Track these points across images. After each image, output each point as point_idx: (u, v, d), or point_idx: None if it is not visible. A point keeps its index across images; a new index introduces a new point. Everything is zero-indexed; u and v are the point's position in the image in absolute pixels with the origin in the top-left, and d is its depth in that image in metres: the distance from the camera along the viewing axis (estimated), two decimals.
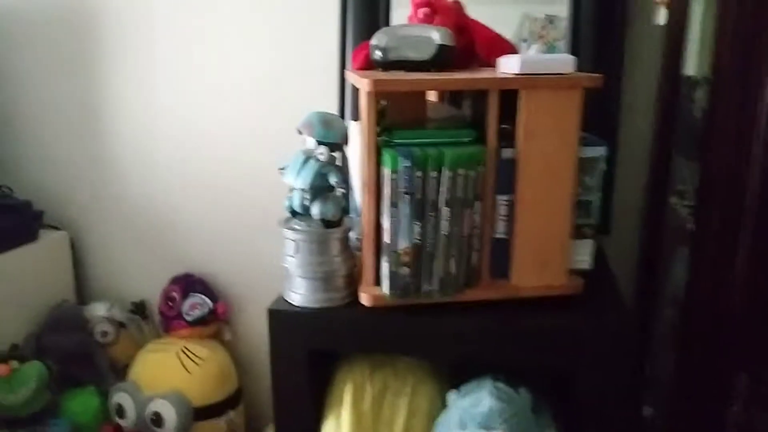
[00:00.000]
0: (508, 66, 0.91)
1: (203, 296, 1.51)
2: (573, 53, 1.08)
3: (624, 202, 1.29)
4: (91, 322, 1.54)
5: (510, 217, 0.93)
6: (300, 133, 0.96)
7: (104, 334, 1.54)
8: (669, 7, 0.85)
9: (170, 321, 1.52)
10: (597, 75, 0.89)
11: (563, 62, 0.90)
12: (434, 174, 0.88)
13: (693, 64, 1.18)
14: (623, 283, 1.10)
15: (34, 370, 1.38)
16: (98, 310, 1.56)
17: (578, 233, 0.97)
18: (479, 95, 0.93)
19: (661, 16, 0.87)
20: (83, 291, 1.66)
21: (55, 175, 1.62)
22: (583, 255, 0.99)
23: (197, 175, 1.54)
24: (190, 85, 1.49)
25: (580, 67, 0.91)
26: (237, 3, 1.43)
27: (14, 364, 1.37)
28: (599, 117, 1.09)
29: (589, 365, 0.90)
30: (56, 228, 1.60)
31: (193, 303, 1.49)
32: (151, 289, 1.60)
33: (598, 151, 0.96)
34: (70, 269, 1.61)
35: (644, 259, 1.32)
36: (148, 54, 1.50)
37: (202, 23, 1.46)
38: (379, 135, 0.92)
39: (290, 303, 0.98)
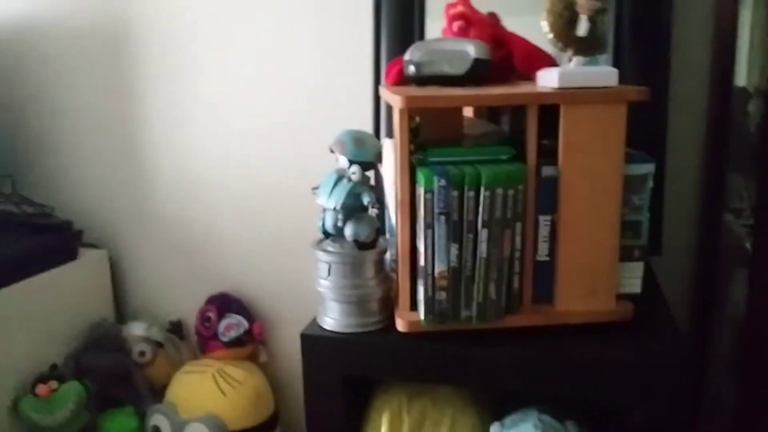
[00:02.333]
0: (548, 79, 0.87)
1: (239, 316, 1.49)
2: (615, 65, 1.03)
3: (675, 221, 1.23)
4: (129, 342, 1.54)
5: (553, 239, 0.88)
6: (332, 151, 0.93)
7: (142, 353, 1.53)
8: (590, 20, 0.81)
9: (206, 341, 1.50)
10: (642, 88, 0.84)
11: (606, 75, 0.85)
12: (471, 193, 0.84)
13: (744, 74, 1.12)
14: (676, 307, 1.03)
15: (73, 390, 1.38)
16: (136, 329, 1.55)
17: (626, 255, 0.91)
18: (518, 110, 0.89)
19: (582, 28, 0.83)
20: (121, 310, 1.67)
21: (94, 194, 1.63)
22: (633, 278, 0.93)
23: (234, 195, 1.53)
24: (227, 104, 1.49)
25: (623, 80, 0.86)
26: (271, 21, 1.42)
27: (53, 384, 1.38)
28: (645, 132, 1.04)
29: (642, 398, 0.84)
30: (95, 246, 1.61)
31: (228, 323, 1.48)
32: (189, 308, 1.59)
33: (646, 168, 0.90)
34: (109, 288, 1.62)
35: (698, 282, 1.25)
36: (185, 73, 1.50)
37: (237, 42, 1.45)
38: (413, 153, 0.88)
39: (323, 327, 0.95)
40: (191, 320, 1.58)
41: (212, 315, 1.49)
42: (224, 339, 1.47)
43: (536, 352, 0.87)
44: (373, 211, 0.93)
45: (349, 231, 0.91)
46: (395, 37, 1.28)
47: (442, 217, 0.84)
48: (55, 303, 1.48)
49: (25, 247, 1.45)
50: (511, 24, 1.05)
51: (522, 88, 0.89)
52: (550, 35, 0.86)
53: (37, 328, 1.43)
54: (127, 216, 1.62)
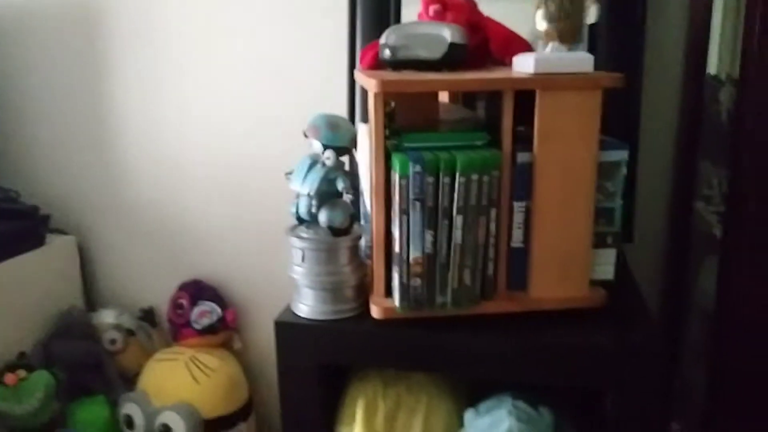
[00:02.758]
0: (524, 65, 0.86)
1: (212, 303, 1.47)
2: (590, 52, 1.03)
3: (647, 208, 1.24)
4: (99, 330, 1.51)
5: (527, 225, 0.88)
6: (306, 136, 0.92)
7: (113, 341, 1.51)
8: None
9: (179, 329, 1.49)
10: (617, 74, 0.84)
11: (581, 61, 0.85)
12: (446, 179, 0.83)
13: (716, 62, 1.12)
14: (648, 293, 1.04)
15: (41, 379, 1.36)
16: (106, 317, 1.53)
17: (600, 242, 0.91)
18: (493, 96, 0.89)
19: (592, 15, 0.83)
20: (91, 297, 1.64)
21: (62, 178, 1.60)
22: (606, 265, 0.93)
23: (206, 180, 1.51)
24: (198, 88, 1.46)
25: (597, 67, 0.86)
26: (245, 3, 1.39)
27: (22, 373, 1.35)
28: (619, 119, 1.04)
29: (615, 383, 0.85)
30: (63, 233, 1.58)
31: (201, 311, 1.46)
32: (161, 295, 1.57)
33: (620, 155, 0.91)
34: (78, 275, 1.59)
35: (670, 268, 1.26)
36: (156, 57, 1.47)
37: (209, 24, 1.42)
38: (388, 138, 0.87)
39: (297, 315, 0.94)
40: (163, 307, 1.56)
41: (185, 302, 1.47)
42: (197, 326, 1.45)
43: (510, 339, 0.87)
44: (347, 197, 0.92)
45: (323, 217, 0.90)
46: (371, 20, 1.26)
47: (418, 204, 0.83)
48: (23, 290, 1.44)
49: None
50: (488, 10, 1.04)
51: (498, 74, 0.89)
52: (544, 24, 0.85)
53: (4, 316, 1.40)
54: (96, 201, 1.59)
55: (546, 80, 0.83)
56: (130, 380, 1.50)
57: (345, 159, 0.93)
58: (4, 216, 1.48)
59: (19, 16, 1.52)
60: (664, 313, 1.26)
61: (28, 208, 1.50)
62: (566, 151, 0.85)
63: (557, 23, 0.85)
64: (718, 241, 1.09)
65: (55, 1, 1.50)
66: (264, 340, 1.56)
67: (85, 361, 1.46)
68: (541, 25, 0.87)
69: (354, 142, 0.93)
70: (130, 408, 1.42)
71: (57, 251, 1.54)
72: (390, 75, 0.88)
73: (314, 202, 0.90)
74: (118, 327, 1.52)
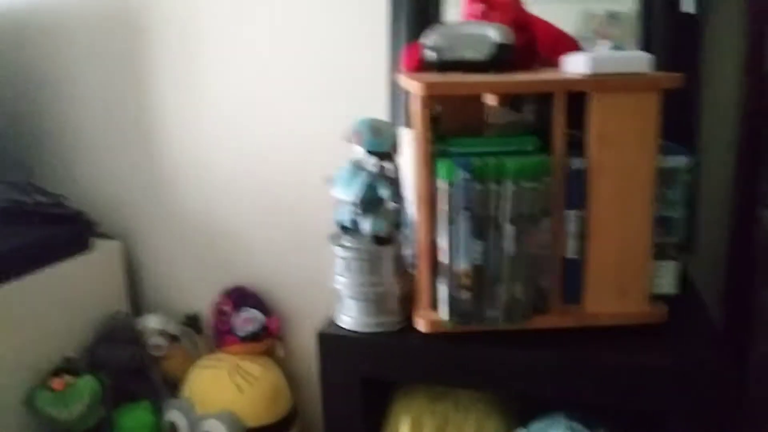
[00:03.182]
0: (576, 65, 0.82)
1: (255, 311, 1.46)
2: (645, 49, 0.97)
3: (709, 216, 1.16)
4: (144, 335, 1.52)
5: (582, 236, 0.83)
6: (349, 142, 0.89)
7: (158, 347, 1.51)
8: None
9: (222, 336, 1.48)
10: (676, 74, 0.79)
11: (638, 60, 0.80)
12: (495, 187, 0.79)
13: None
14: (712, 308, 0.97)
15: (87, 384, 1.36)
16: (151, 322, 1.53)
17: (660, 253, 0.86)
18: (543, 98, 0.84)
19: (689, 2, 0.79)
20: (136, 303, 1.65)
21: (108, 184, 1.61)
22: (667, 278, 0.88)
23: (252, 186, 1.50)
24: (243, 94, 1.45)
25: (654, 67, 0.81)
26: (285, 5, 1.38)
27: (68, 378, 1.36)
28: (676, 122, 0.98)
29: (677, 406, 0.79)
30: (109, 238, 1.59)
31: (245, 318, 1.45)
32: (205, 301, 1.57)
33: (680, 161, 0.85)
34: (124, 280, 1.60)
35: (734, 281, 1.19)
36: (203, 62, 1.46)
37: (252, 30, 1.41)
38: (433, 143, 0.84)
39: (340, 326, 0.91)
40: (208, 314, 1.55)
41: (228, 308, 1.46)
42: (240, 334, 1.44)
43: (565, 355, 0.82)
44: (391, 205, 0.89)
45: (366, 225, 0.87)
46: (412, 20, 1.22)
47: (465, 212, 0.80)
48: (69, 295, 1.45)
49: (36, 237, 1.43)
50: (535, 9, 1.00)
51: (549, 75, 0.84)
52: None
53: (50, 321, 1.41)
54: (142, 206, 1.60)
55: (601, 81, 0.78)
56: (174, 386, 1.50)
57: (388, 164, 0.90)
58: (51, 221, 1.49)
59: (62, 23, 1.54)
60: (728, 329, 1.19)
61: (74, 213, 1.52)
62: (623, 156, 0.80)
63: None
64: None
65: (100, 8, 1.51)
66: (308, 348, 1.54)
67: (129, 367, 1.46)
68: None
69: (396, 147, 0.89)
70: (174, 415, 1.41)
71: (102, 256, 1.55)
72: (435, 77, 0.85)
73: (358, 210, 0.87)
74: (162, 333, 1.51)
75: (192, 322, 1.58)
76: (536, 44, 0.97)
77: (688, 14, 1.10)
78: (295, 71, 1.40)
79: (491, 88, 0.88)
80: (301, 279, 1.51)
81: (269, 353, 1.51)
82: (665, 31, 1.11)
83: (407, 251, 0.95)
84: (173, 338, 1.52)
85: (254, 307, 1.46)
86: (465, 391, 0.95)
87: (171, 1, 1.45)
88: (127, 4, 1.48)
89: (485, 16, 0.96)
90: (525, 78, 0.83)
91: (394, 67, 1.23)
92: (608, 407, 0.85)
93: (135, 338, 1.50)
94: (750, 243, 1.13)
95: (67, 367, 1.39)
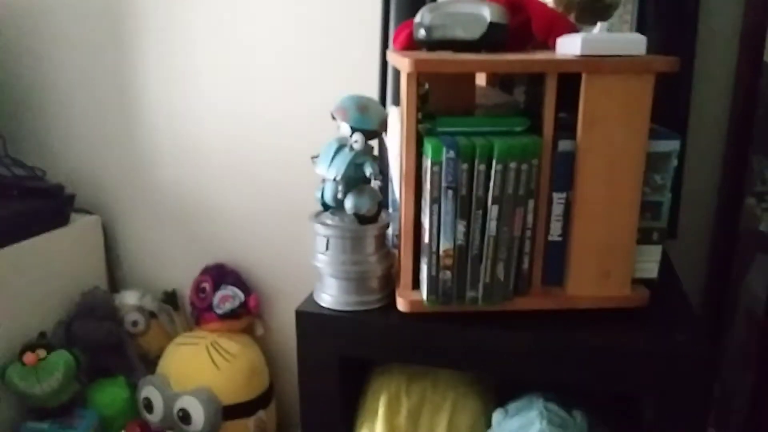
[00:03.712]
0: (569, 46, 0.80)
1: (235, 288, 1.44)
2: (639, 32, 0.96)
3: (693, 202, 1.17)
4: (121, 311, 1.50)
5: (567, 218, 0.82)
6: (334, 118, 0.87)
7: (135, 323, 1.49)
8: None
9: (201, 313, 1.46)
10: (672, 58, 0.78)
11: (633, 42, 0.78)
12: (482, 167, 0.78)
13: None
14: (691, 293, 0.98)
15: (61, 359, 1.34)
16: (129, 298, 1.51)
17: (645, 238, 0.85)
18: (534, 79, 0.83)
19: None
20: (115, 278, 1.62)
21: (88, 158, 1.58)
22: (650, 262, 0.88)
23: (234, 162, 1.48)
24: (226, 68, 1.43)
25: (647, 50, 0.80)
26: None
27: (42, 353, 1.34)
28: (666, 106, 0.97)
29: (655, 389, 0.79)
30: (88, 212, 1.56)
31: (224, 295, 1.43)
32: (184, 278, 1.55)
33: (671, 145, 0.84)
34: (102, 255, 1.58)
35: (715, 267, 1.19)
36: (184, 35, 1.43)
37: (242, 6, 1.38)
38: (421, 122, 0.82)
39: (320, 305, 0.89)
40: (187, 290, 1.54)
41: (207, 286, 1.45)
42: (219, 311, 1.43)
43: (545, 338, 0.82)
44: (375, 183, 0.87)
45: (349, 203, 0.85)
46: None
47: (450, 192, 0.78)
48: (46, 269, 1.43)
49: (14, 210, 1.40)
50: None
51: (541, 55, 0.83)
52: None
53: (26, 295, 1.39)
54: (122, 181, 1.57)
55: (593, 62, 0.77)
56: (150, 363, 1.48)
57: (374, 143, 0.88)
58: (29, 194, 1.47)
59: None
60: (707, 315, 1.20)
61: (53, 187, 1.49)
62: (613, 139, 0.79)
63: None
64: None
65: None
66: (287, 326, 1.53)
67: (106, 343, 1.45)
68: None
69: (384, 126, 0.88)
70: (149, 391, 1.40)
71: (81, 231, 1.52)
72: (426, 54, 0.83)
73: (340, 188, 0.86)
74: (140, 309, 1.50)
75: (170, 298, 1.56)
76: (531, 25, 0.96)
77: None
78: (285, 48, 1.38)
79: (480, 66, 0.86)
80: (283, 257, 1.49)
81: (248, 331, 1.50)
82: (660, 15, 1.10)
83: (390, 230, 0.94)
84: (151, 314, 1.51)
85: (234, 285, 1.45)
86: (443, 371, 0.94)
87: None
88: None
89: None
90: (516, 57, 0.81)
91: (387, 46, 1.21)
92: (586, 389, 0.85)
93: (112, 314, 1.48)
94: (734, 230, 1.13)
95: (41, 342, 1.36)
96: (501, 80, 1.07)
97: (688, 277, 1.10)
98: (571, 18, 0.83)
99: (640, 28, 1.09)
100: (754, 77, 1.08)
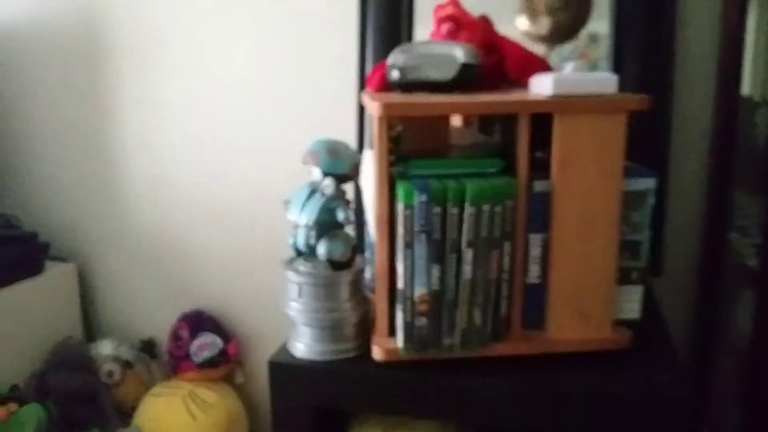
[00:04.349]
0: (541, 86, 0.79)
1: (213, 335, 1.41)
2: (616, 72, 0.96)
3: (677, 239, 1.15)
4: (96, 361, 1.45)
5: (545, 260, 0.80)
6: (305, 163, 0.85)
7: (110, 374, 1.45)
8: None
9: (178, 362, 1.42)
10: (643, 96, 0.77)
11: (604, 81, 0.78)
12: (455, 210, 0.76)
13: (750, 83, 1.05)
14: (677, 330, 0.96)
15: (33, 413, 1.29)
16: (105, 348, 1.47)
17: (625, 278, 0.84)
18: (509, 120, 0.82)
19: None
20: (90, 327, 1.58)
21: (63, 205, 1.55)
22: (631, 303, 0.86)
23: (209, 207, 1.46)
24: (200, 113, 1.42)
25: (623, 88, 0.79)
26: (250, 22, 1.35)
27: (13, 406, 1.29)
28: (646, 144, 0.97)
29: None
30: (63, 260, 1.53)
31: (202, 343, 1.39)
32: (161, 326, 1.51)
33: (647, 183, 0.83)
34: (77, 303, 1.54)
35: (702, 304, 1.17)
36: (157, 82, 1.43)
37: (213, 46, 1.38)
38: (393, 164, 0.81)
39: (293, 354, 0.86)
40: (164, 338, 1.50)
41: (184, 333, 1.41)
42: (196, 359, 1.39)
43: (525, 383, 0.79)
44: (348, 228, 0.85)
45: (322, 249, 0.83)
46: (382, 40, 1.21)
47: (423, 236, 0.76)
48: (19, 319, 1.39)
49: None
50: (512, 30, 0.98)
51: (512, 96, 0.82)
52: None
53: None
54: (97, 228, 1.54)
55: (564, 103, 0.76)
56: (127, 414, 1.43)
57: (347, 187, 0.86)
58: (3, 242, 1.43)
59: (19, 40, 1.49)
60: (694, 352, 1.17)
61: (28, 235, 1.46)
62: (587, 179, 0.78)
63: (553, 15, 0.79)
64: (755, 275, 1.00)
65: (55, 27, 1.47)
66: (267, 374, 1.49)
67: (80, 394, 1.40)
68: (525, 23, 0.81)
69: (356, 170, 0.86)
70: None
71: (56, 279, 1.49)
72: (396, 97, 0.82)
73: (313, 233, 0.84)
74: (116, 358, 1.46)
75: (147, 347, 1.52)
76: (505, 65, 0.95)
77: (659, 34, 1.10)
78: (261, 91, 1.37)
79: (451, 108, 0.85)
80: (263, 302, 1.46)
81: (227, 379, 1.45)
82: (637, 52, 1.10)
83: (367, 275, 0.91)
84: (127, 364, 1.47)
85: (212, 332, 1.41)
86: (421, 421, 0.91)
87: (130, 16, 1.41)
88: (85, 18, 1.44)
89: (453, 36, 0.95)
90: (486, 99, 0.80)
91: (363, 87, 1.21)
92: None
93: (87, 364, 1.44)
94: (719, 266, 1.12)
95: (12, 395, 1.32)
96: (480, 121, 1.06)
97: (674, 314, 1.08)
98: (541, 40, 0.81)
99: (616, 67, 1.10)
100: (732, 112, 1.08)
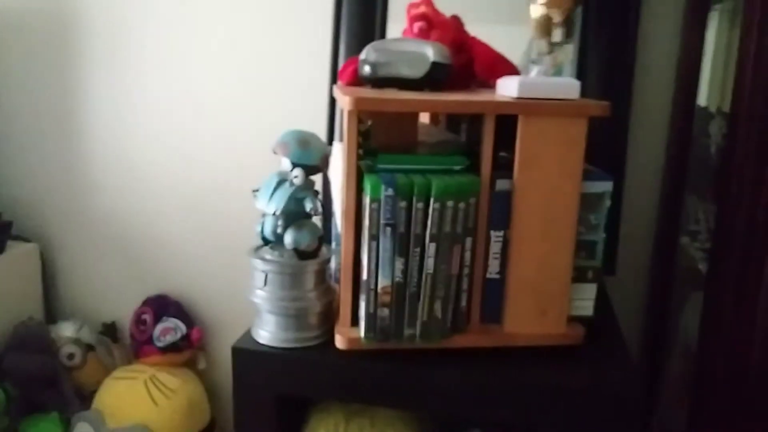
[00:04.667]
0: (507, 88, 0.82)
1: (177, 320, 1.41)
2: (579, 78, 0.99)
3: (631, 240, 1.20)
4: (57, 343, 1.45)
5: (504, 256, 0.83)
6: (275, 153, 0.87)
7: (71, 356, 1.44)
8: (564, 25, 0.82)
9: (141, 346, 1.42)
10: (603, 102, 0.80)
11: (567, 87, 0.81)
12: (420, 205, 0.79)
13: (706, 94, 1.09)
14: (628, 329, 1.00)
15: None
16: (66, 330, 1.46)
17: (580, 276, 0.87)
18: (475, 120, 0.84)
19: (557, 34, 0.82)
20: (52, 308, 1.57)
21: (26, 184, 1.53)
22: (585, 300, 0.89)
23: (178, 192, 1.46)
24: (172, 97, 1.41)
25: (585, 93, 0.82)
26: (224, 14, 1.35)
27: None
28: (605, 148, 1.00)
29: (589, 426, 0.80)
30: (26, 240, 1.51)
31: (165, 328, 1.40)
32: (125, 309, 1.51)
33: (604, 186, 0.86)
34: (39, 284, 1.52)
35: (652, 304, 1.22)
36: (129, 63, 1.42)
37: (186, 33, 1.38)
38: (362, 158, 0.83)
39: (257, 341, 0.88)
40: (127, 322, 1.49)
41: (148, 317, 1.41)
42: (159, 344, 1.39)
43: (481, 375, 0.82)
44: (316, 219, 0.87)
45: (289, 238, 0.85)
46: (355, 36, 1.22)
47: (388, 229, 0.79)
48: None
49: None
50: (481, 31, 1.01)
51: (479, 96, 0.84)
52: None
53: None
54: (62, 209, 1.53)
55: (529, 105, 0.79)
56: (86, 398, 1.43)
57: (315, 178, 0.88)
58: None
59: None
60: (644, 351, 1.22)
61: None
62: (548, 180, 0.81)
63: None
64: (703, 278, 1.05)
65: (28, 9, 1.44)
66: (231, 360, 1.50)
67: (40, 376, 1.39)
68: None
69: (325, 161, 0.88)
70: (82, 428, 1.35)
71: (18, 259, 1.47)
72: (366, 92, 0.84)
73: (280, 222, 0.85)
74: (77, 341, 1.45)
75: (109, 330, 1.52)
76: (474, 65, 0.98)
77: (622, 44, 1.13)
78: (234, 80, 1.38)
79: (420, 105, 0.87)
80: (228, 288, 1.47)
81: (190, 365, 1.46)
82: (599, 60, 1.14)
83: (333, 265, 0.93)
84: (88, 347, 1.46)
85: (176, 317, 1.42)
86: (382, 409, 0.93)
87: (105, 2, 1.40)
88: (58, 5, 1.42)
89: (425, 35, 0.97)
90: (454, 98, 0.83)
91: (335, 81, 1.22)
92: (524, 427, 0.85)
93: (47, 346, 1.43)
94: (670, 268, 1.16)
95: None
96: (448, 119, 1.09)
97: (626, 312, 1.13)
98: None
99: (580, 74, 1.13)
100: (687, 121, 1.12)
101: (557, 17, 0.88)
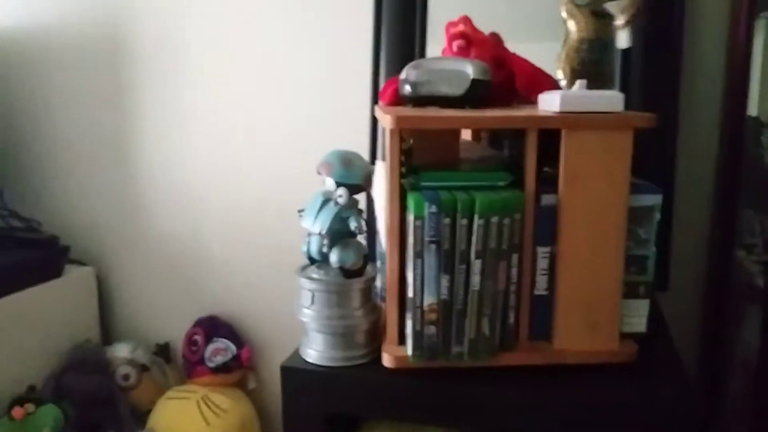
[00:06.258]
0: (549, 103, 0.82)
1: (227, 341, 1.43)
2: (623, 90, 0.98)
3: (684, 255, 1.16)
4: (113, 364, 1.48)
5: (552, 272, 0.82)
6: (319, 173, 0.88)
7: (126, 377, 1.48)
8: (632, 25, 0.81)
9: (192, 366, 1.45)
10: (649, 114, 0.79)
11: (610, 99, 0.80)
12: (464, 221, 0.79)
13: (757, 103, 1.06)
14: (683, 346, 0.97)
15: (50, 414, 1.33)
16: (121, 351, 1.50)
17: (631, 292, 0.85)
18: (517, 135, 0.84)
19: (623, 40, 0.81)
20: (107, 330, 1.61)
21: (83, 210, 1.59)
22: (638, 317, 0.87)
23: (228, 214, 1.49)
24: (224, 122, 1.45)
25: (631, 106, 0.81)
26: (270, 35, 1.38)
27: (30, 407, 1.32)
28: (654, 161, 0.98)
29: None
30: (82, 263, 1.56)
31: (216, 348, 1.42)
32: (177, 330, 1.54)
33: (652, 200, 0.85)
34: (95, 307, 1.57)
35: (708, 319, 1.18)
36: (181, 85, 1.46)
37: (235, 56, 1.42)
38: (404, 176, 0.83)
39: (305, 360, 0.89)
40: (180, 343, 1.53)
41: (199, 338, 1.44)
42: (210, 364, 1.41)
43: (531, 393, 0.81)
44: (360, 237, 0.88)
45: (334, 257, 0.86)
46: (395, 56, 1.24)
47: (433, 246, 0.79)
48: (38, 321, 1.42)
49: (9, 262, 1.41)
50: (522, 48, 1.01)
51: (521, 112, 0.84)
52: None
53: (17, 348, 1.38)
54: (116, 233, 1.58)
55: (572, 119, 0.78)
56: (141, 417, 1.46)
57: (359, 197, 0.89)
58: (24, 245, 1.47)
59: (44, 47, 1.54)
60: (701, 367, 1.18)
61: (48, 238, 1.50)
62: (594, 194, 0.80)
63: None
64: (761, 292, 1.01)
65: (78, 31, 1.51)
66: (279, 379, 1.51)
67: (96, 396, 1.43)
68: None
69: (369, 180, 0.89)
70: None
71: (75, 282, 1.52)
72: (408, 111, 0.84)
73: (326, 242, 0.86)
74: (132, 362, 1.48)
75: (163, 351, 1.55)
76: (514, 81, 0.98)
77: (667, 55, 1.11)
78: (280, 102, 1.41)
79: (461, 123, 0.87)
80: (276, 308, 1.49)
81: (240, 384, 1.48)
82: (646, 71, 1.12)
83: (378, 283, 0.94)
84: (143, 368, 1.49)
85: (226, 337, 1.44)
86: (431, 427, 0.93)
87: (153, 23, 1.45)
88: (108, 24, 1.48)
89: (464, 53, 0.97)
90: (496, 114, 0.83)
91: (376, 101, 1.24)
92: None
93: (103, 367, 1.47)
94: (724, 283, 1.13)
95: (30, 397, 1.35)
96: (490, 134, 1.09)
97: (681, 328, 1.09)
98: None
99: (624, 86, 1.11)
100: (738, 131, 1.09)
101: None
